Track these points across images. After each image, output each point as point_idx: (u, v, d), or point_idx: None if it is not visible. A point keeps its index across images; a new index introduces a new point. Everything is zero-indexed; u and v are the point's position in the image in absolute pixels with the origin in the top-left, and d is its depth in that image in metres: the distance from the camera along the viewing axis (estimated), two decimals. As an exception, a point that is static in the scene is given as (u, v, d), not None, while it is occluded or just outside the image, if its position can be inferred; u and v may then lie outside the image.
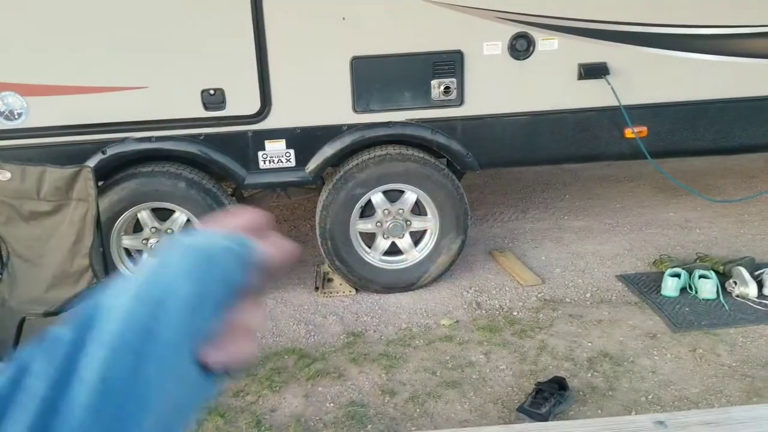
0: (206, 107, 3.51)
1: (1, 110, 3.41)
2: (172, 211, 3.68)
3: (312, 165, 3.67)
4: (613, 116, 3.70)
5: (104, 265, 3.01)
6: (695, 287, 3.70)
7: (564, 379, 2.98)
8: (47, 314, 2.67)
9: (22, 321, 2.61)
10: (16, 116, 3.43)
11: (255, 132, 3.58)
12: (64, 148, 3.47)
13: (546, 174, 5.79)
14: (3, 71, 3.36)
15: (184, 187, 3.61)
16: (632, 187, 5.47)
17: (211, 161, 3.60)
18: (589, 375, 3.10)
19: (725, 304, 3.59)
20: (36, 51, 3.35)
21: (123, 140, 3.52)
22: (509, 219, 5.02)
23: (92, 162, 3.48)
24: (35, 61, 3.38)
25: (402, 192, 3.80)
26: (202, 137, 3.56)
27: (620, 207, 5.12)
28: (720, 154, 4.09)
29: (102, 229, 3.45)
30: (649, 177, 5.46)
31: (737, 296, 3.66)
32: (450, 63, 3.57)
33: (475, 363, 3.24)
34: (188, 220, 3.69)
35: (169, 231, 3.71)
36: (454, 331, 3.52)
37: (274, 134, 3.59)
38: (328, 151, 3.65)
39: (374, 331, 3.55)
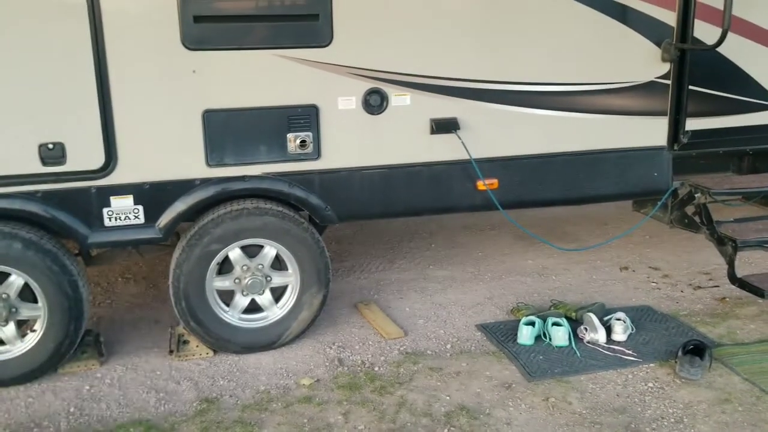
0: (44, 162, 3.28)
1: None
2: (8, 275, 3.38)
3: (163, 221, 3.51)
4: (466, 169, 3.80)
5: None
6: (549, 335, 3.82)
7: (420, 437, 2.96)
8: None
9: None
10: None
11: (99, 188, 3.37)
12: None
13: (413, 223, 5.87)
14: None
15: (20, 248, 3.33)
16: (494, 236, 5.65)
17: (50, 220, 3.35)
18: (446, 431, 3.09)
19: (576, 351, 3.72)
20: None
21: (-52, 199, 3.22)
22: (376, 269, 5.02)
23: None
24: None
25: (261, 247, 3.70)
26: (39, 194, 3.31)
27: (482, 255, 5.26)
28: (568, 204, 4.29)
29: None
30: (510, 225, 5.63)
31: (588, 342, 3.81)
32: (306, 117, 3.56)
33: (333, 425, 3.14)
34: (26, 284, 3.41)
35: (4, 296, 3.40)
36: (314, 391, 3.42)
37: (120, 190, 3.41)
38: (180, 206, 3.50)
39: (230, 396, 3.38)
